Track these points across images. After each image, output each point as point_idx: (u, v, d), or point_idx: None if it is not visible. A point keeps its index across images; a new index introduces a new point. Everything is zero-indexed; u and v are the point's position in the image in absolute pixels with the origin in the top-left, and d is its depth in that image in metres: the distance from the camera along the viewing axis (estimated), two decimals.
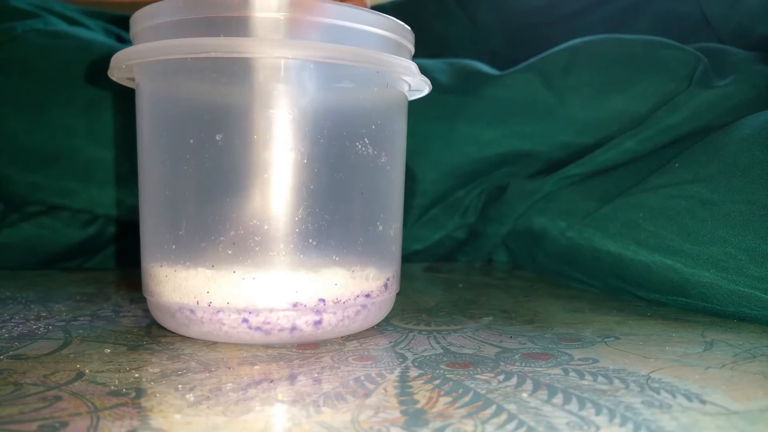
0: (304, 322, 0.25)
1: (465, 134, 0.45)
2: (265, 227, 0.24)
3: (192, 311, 0.25)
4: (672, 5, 0.53)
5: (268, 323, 0.24)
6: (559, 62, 0.44)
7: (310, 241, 0.24)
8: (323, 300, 0.24)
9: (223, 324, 0.24)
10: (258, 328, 0.24)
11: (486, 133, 0.44)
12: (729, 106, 0.39)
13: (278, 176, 0.24)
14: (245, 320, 0.24)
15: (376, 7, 0.55)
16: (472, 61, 0.47)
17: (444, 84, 0.45)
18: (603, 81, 0.42)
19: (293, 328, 0.24)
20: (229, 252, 0.24)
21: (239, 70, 0.23)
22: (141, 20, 0.25)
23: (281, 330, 0.24)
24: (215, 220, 0.24)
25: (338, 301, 0.25)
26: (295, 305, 0.24)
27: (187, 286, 0.24)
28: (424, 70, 0.45)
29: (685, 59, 0.41)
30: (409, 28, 0.27)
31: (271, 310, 0.24)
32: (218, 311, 0.24)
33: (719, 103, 0.39)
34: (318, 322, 0.25)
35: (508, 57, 0.49)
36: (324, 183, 0.24)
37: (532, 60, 0.45)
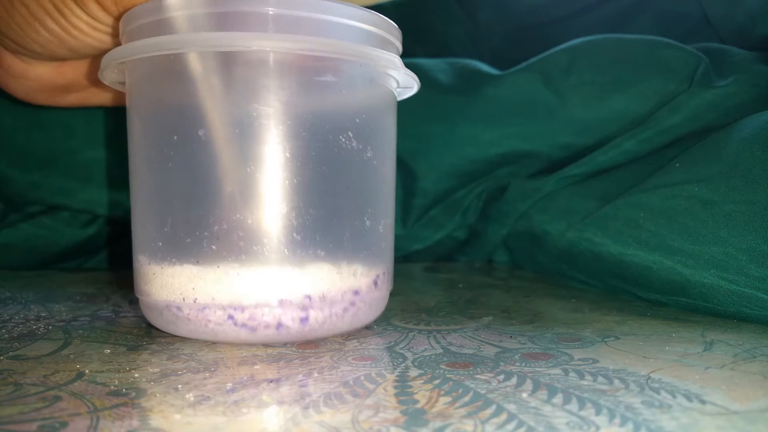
0: (290, 319, 0.24)
1: (465, 134, 0.45)
2: (249, 222, 0.24)
3: (179, 308, 0.25)
4: (672, 5, 0.53)
5: (254, 320, 0.24)
6: (559, 62, 0.44)
7: (295, 235, 0.24)
8: (309, 296, 0.24)
9: (209, 321, 0.24)
10: (244, 325, 0.24)
11: (486, 133, 0.44)
12: (730, 106, 0.39)
13: (260, 170, 0.24)
14: (231, 317, 0.24)
15: (377, 7, 0.55)
16: (473, 61, 0.47)
17: (444, 84, 0.45)
18: (603, 81, 0.42)
19: (279, 325, 0.24)
20: (213, 247, 0.24)
21: (220, 64, 0.23)
22: (131, 19, 0.25)
23: (267, 327, 0.24)
24: (199, 216, 0.24)
25: (325, 298, 0.25)
26: (280, 301, 0.24)
27: (174, 283, 0.24)
28: (424, 70, 0.45)
29: (685, 59, 0.41)
30: (396, 25, 0.27)
31: (255, 306, 0.24)
32: (204, 308, 0.24)
33: (720, 104, 0.39)
34: (304, 319, 0.24)
35: (509, 57, 0.49)
36: (307, 177, 0.24)
37: (533, 60, 0.45)
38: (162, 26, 0.24)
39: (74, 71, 0.33)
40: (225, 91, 0.23)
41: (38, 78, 0.33)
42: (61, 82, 0.33)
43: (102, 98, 0.36)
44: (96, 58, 0.32)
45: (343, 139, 0.25)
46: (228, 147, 0.23)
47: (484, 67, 0.46)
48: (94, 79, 0.33)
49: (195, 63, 0.23)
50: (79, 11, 0.26)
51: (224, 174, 0.24)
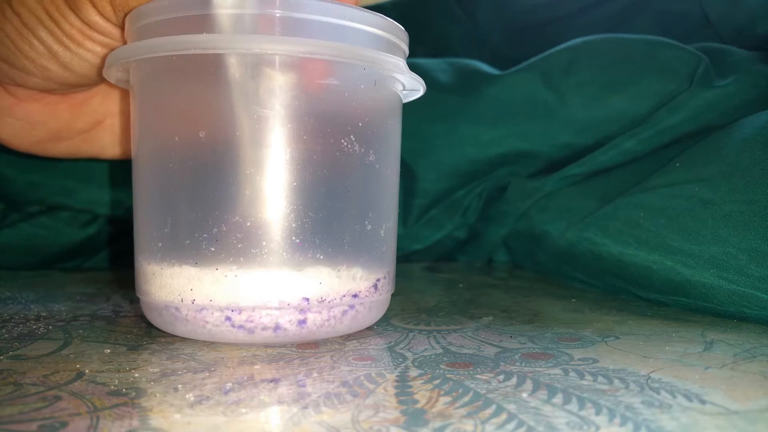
0: (288, 321, 0.24)
1: (465, 134, 0.45)
2: (247, 224, 0.23)
3: (177, 309, 0.25)
4: (673, 5, 0.53)
5: (251, 321, 0.24)
6: (559, 62, 0.44)
7: (293, 238, 0.24)
8: (307, 299, 0.24)
9: (207, 322, 0.24)
10: (241, 327, 0.24)
11: (486, 133, 0.44)
12: (730, 106, 0.39)
13: (260, 173, 0.23)
14: (228, 318, 0.24)
15: (376, 6, 0.55)
16: (473, 61, 0.47)
17: (444, 84, 0.45)
18: (604, 81, 0.42)
19: (276, 327, 0.24)
20: (212, 249, 0.24)
21: (222, 66, 0.23)
22: (138, 18, 0.25)
23: (264, 329, 0.24)
24: (198, 217, 0.24)
25: (323, 301, 0.24)
26: (278, 303, 0.24)
27: (172, 284, 0.24)
28: (424, 70, 0.45)
29: (686, 59, 0.41)
30: (402, 27, 0.27)
31: (253, 309, 0.24)
32: (201, 309, 0.24)
33: (720, 103, 0.39)
34: (302, 321, 0.24)
35: (509, 56, 0.49)
36: (308, 180, 0.24)
37: (533, 60, 0.45)
38: (174, 25, 0.24)
39: (68, 111, 0.31)
40: (232, 93, 0.23)
41: (27, 116, 0.31)
42: (53, 124, 0.32)
43: (94, 148, 0.34)
44: (92, 98, 0.32)
45: (345, 143, 0.25)
46: (230, 149, 0.23)
47: (485, 67, 0.46)
48: (89, 123, 0.33)
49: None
50: (72, 17, 0.26)
51: (229, 176, 0.23)
